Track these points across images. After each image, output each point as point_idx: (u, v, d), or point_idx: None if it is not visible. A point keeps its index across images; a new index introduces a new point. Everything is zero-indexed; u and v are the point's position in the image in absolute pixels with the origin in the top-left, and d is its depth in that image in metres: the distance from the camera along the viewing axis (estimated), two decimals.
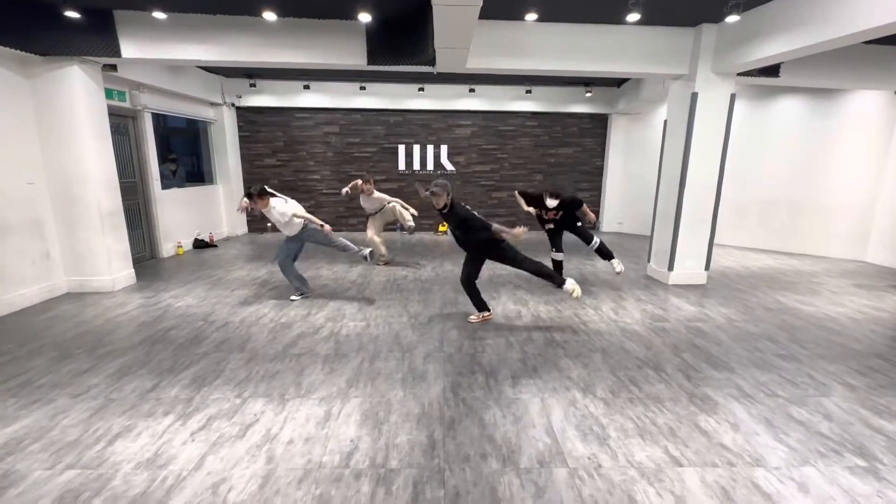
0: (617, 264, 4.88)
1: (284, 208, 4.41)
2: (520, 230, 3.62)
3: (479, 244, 3.93)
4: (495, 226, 3.73)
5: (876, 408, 2.76)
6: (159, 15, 4.34)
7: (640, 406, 2.75)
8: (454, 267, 6.34)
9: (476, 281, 4.11)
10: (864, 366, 3.35)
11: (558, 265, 5.20)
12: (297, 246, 4.73)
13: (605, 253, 4.97)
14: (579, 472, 2.16)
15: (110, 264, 5.01)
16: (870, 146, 6.73)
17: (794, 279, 5.84)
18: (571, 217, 4.97)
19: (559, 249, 5.15)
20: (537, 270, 3.93)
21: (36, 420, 2.55)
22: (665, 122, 5.60)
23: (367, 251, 4.81)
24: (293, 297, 4.78)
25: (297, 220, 4.48)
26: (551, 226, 5.05)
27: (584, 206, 4.98)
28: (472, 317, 4.21)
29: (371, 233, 6.15)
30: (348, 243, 4.76)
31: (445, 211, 3.83)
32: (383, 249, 6.24)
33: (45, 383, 2.96)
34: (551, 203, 4.75)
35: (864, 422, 2.61)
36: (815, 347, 3.68)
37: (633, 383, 3.03)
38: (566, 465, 2.21)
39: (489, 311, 4.26)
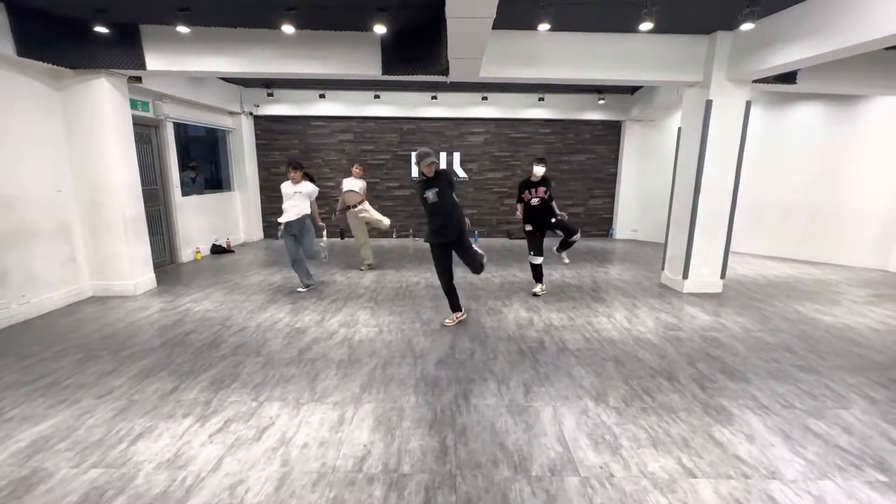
0: (565, 256, 5.37)
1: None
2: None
3: (458, 223, 4.03)
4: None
5: None
6: (183, 29, 4.49)
7: (653, 416, 2.73)
8: (466, 273, 6.36)
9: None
10: (886, 378, 3.27)
11: (538, 269, 5.14)
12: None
13: (567, 244, 5.20)
14: (591, 480, 2.16)
15: (133, 269, 5.17)
16: (892, 152, 6.57)
17: (813, 288, 5.72)
18: (549, 210, 4.96)
19: (539, 253, 5.03)
20: (479, 265, 4.18)
21: (63, 419, 2.65)
22: (679, 129, 5.58)
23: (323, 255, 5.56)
24: (301, 289, 5.38)
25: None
26: (530, 227, 4.99)
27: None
28: (447, 320, 4.28)
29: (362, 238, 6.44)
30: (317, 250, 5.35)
31: (433, 176, 4.03)
32: (369, 253, 6.56)
33: (70, 384, 3.07)
34: (538, 171, 4.87)
35: (884, 435, 2.56)
36: (834, 359, 3.61)
37: (647, 393, 3.01)
38: (577, 473, 2.21)
39: (462, 310, 4.35)
